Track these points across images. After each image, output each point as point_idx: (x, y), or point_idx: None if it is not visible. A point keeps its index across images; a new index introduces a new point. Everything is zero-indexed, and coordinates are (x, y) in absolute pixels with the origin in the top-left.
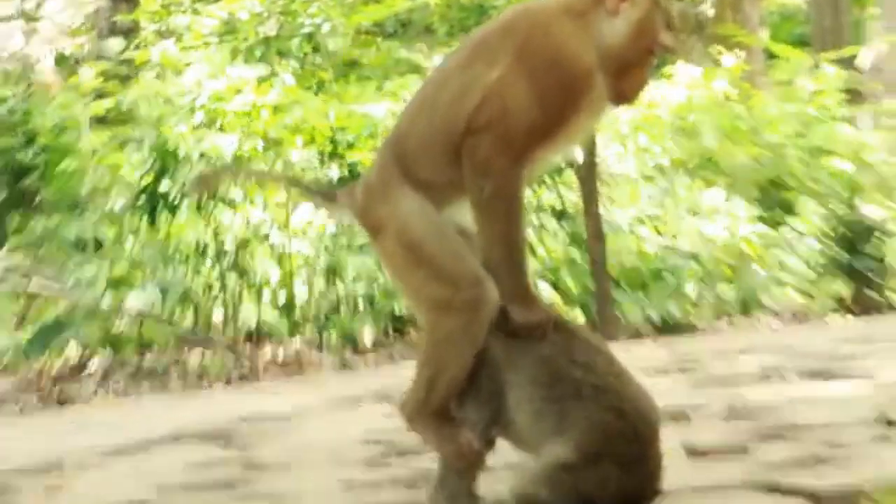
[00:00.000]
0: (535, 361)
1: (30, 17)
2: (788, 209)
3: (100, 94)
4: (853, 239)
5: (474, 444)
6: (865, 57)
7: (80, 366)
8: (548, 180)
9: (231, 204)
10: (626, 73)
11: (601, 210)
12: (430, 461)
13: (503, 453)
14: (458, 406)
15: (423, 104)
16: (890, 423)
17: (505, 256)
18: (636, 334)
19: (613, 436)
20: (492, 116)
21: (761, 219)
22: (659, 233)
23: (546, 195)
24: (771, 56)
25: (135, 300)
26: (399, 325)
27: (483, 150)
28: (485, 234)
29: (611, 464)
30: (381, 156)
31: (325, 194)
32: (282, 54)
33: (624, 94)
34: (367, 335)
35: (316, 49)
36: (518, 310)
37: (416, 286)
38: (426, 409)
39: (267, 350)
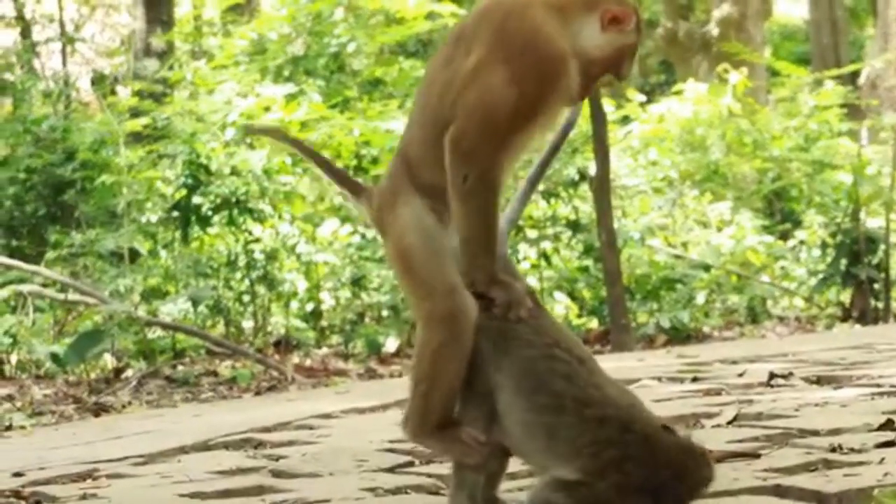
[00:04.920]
0: (518, 365)
1: (70, 39)
2: (793, 220)
3: (135, 112)
4: (856, 250)
5: (479, 437)
6: (864, 74)
7: (116, 375)
8: (563, 194)
9: (260, 217)
10: (582, 82)
11: (614, 221)
12: (451, 467)
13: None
14: (458, 406)
15: (418, 108)
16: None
17: (483, 242)
18: (648, 342)
19: (606, 445)
20: (472, 103)
21: (766, 229)
22: (669, 243)
23: (561, 208)
24: (773, 73)
25: (168, 311)
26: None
27: (468, 138)
28: (464, 221)
29: (616, 472)
30: (392, 162)
31: (352, 185)
32: (309, 73)
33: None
34: (391, 344)
35: (341, 68)
36: (497, 291)
37: (408, 294)
38: (427, 424)
39: (294, 359)
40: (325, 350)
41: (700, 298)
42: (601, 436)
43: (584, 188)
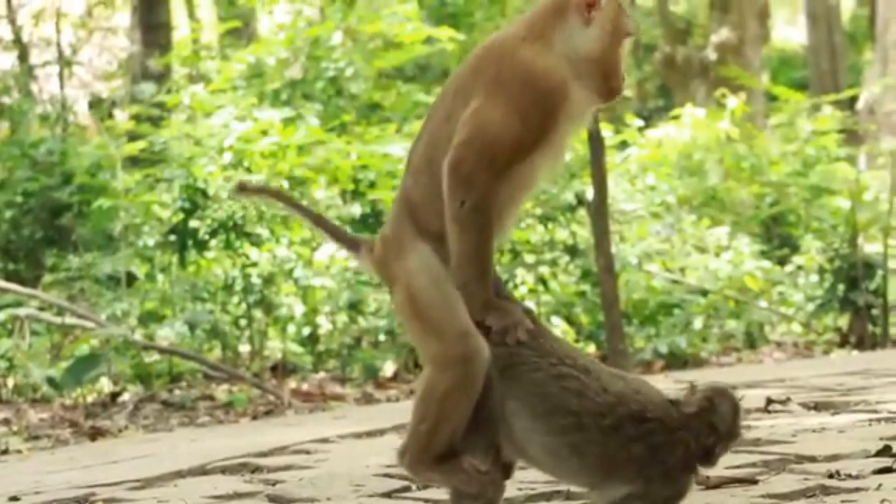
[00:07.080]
0: (530, 390)
1: (67, 62)
2: (791, 246)
3: (133, 136)
4: (854, 275)
5: (480, 466)
6: (862, 99)
7: (113, 399)
8: (561, 218)
9: (257, 241)
10: (612, 72)
11: (612, 246)
12: (449, 495)
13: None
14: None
15: (422, 160)
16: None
17: (477, 269)
18: (646, 367)
19: (630, 444)
20: (472, 132)
21: (764, 254)
22: (667, 268)
23: (559, 233)
24: (771, 98)
25: (164, 335)
26: (419, 359)
27: (467, 164)
28: (459, 247)
29: (653, 464)
30: (394, 209)
31: (349, 242)
32: (306, 97)
33: (613, 90)
34: (389, 368)
35: (339, 92)
36: (494, 317)
37: (417, 339)
38: (427, 459)
39: (291, 383)
40: (322, 374)
41: (697, 324)
42: (622, 437)
43: (582, 213)
